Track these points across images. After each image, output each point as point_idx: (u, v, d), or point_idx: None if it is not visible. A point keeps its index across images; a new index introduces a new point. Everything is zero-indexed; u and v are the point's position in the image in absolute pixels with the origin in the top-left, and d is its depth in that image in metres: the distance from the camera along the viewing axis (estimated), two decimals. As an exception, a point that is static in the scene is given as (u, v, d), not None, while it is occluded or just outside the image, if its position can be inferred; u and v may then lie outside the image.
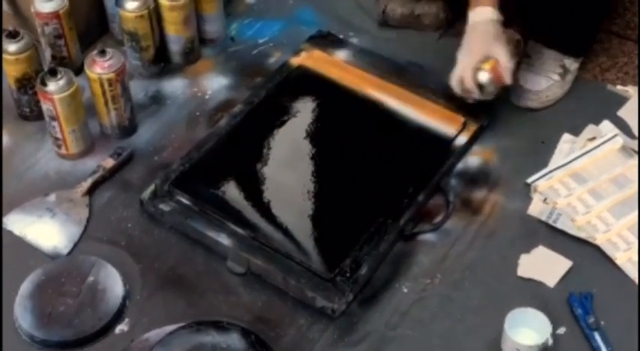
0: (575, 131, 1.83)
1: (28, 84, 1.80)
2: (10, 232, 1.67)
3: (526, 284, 1.60)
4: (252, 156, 1.75)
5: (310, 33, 2.04)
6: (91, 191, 1.73)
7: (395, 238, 1.64)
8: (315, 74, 1.92)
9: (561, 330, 1.53)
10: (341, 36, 2.04)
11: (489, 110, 1.85)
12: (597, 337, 1.51)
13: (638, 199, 1.69)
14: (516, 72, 1.86)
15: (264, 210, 1.67)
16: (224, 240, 1.63)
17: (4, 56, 1.77)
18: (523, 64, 1.89)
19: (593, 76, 1.95)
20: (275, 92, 1.88)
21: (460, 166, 1.79)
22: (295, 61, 1.95)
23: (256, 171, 1.73)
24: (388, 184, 1.70)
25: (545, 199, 1.71)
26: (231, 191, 1.69)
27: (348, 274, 1.56)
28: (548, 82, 1.86)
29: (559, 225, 1.67)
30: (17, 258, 1.63)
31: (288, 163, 1.75)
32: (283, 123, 1.82)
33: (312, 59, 1.95)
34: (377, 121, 1.83)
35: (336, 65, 1.94)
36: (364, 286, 1.59)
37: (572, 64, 1.89)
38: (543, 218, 1.69)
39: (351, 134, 1.80)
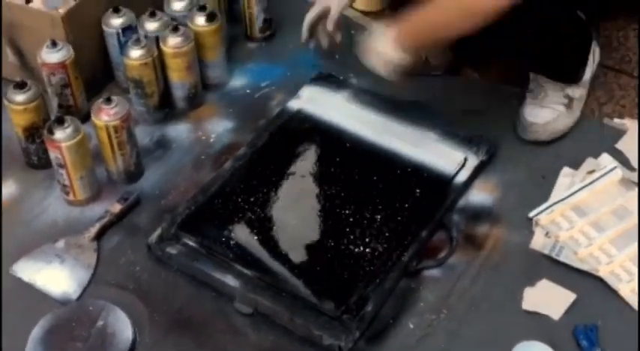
0: (575, 165, 1.86)
1: (36, 133, 1.83)
2: (20, 279, 1.69)
3: (531, 318, 1.61)
4: (257, 198, 1.78)
5: (311, 76, 2.08)
6: (99, 236, 1.76)
7: (399, 274, 1.66)
8: (316, 116, 1.95)
9: (567, 362, 1.54)
10: (341, 77, 2.08)
11: (489, 146, 1.87)
12: (603, 368, 1.52)
13: (638, 231, 1.70)
14: (522, 106, 1.90)
15: (270, 250, 1.69)
16: (231, 281, 1.64)
17: (13, 107, 1.80)
18: (528, 98, 1.92)
19: (591, 111, 1.98)
20: (277, 135, 1.92)
21: (462, 201, 1.81)
22: (296, 103, 1.99)
23: (261, 212, 1.75)
24: (391, 223, 1.72)
25: (547, 233, 1.73)
26: (237, 233, 1.72)
27: (354, 312, 1.58)
28: (553, 113, 1.88)
29: (562, 258, 1.69)
30: (27, 304, 1.65)
31: (292, 204, 1.77)
32: (286, 165, 1.85)
33: (312, 101, 1.99)
34: (378, 160, 1.86)
35: (335, 107, 1.97)
36: (370, 322, 1.60)
37: (576, 92, 1.90)
38: (546, 252, 1.70)
39: (353, 174, 1.83)
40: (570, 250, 1.69)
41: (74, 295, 1.67)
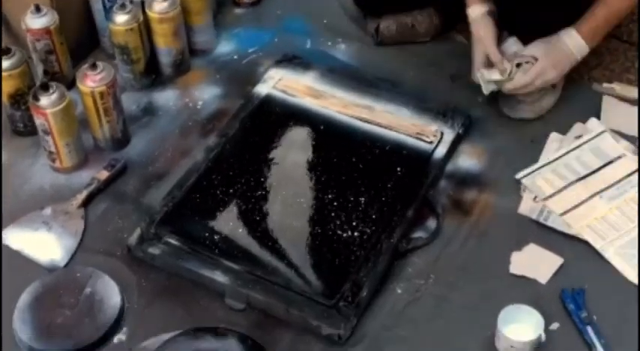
0: (564, 130, 1.85)
1: (21, 99, 1.82)
2: (7, 247, 1.69)
3: (518, 282, 1.62)
4: (235, 189, 1.73)
5: (299, 42, 2.06)
6: (86, 203, 1.75)
7: (391, 256, 1.64)
8: (286, 100, 1.91)
9: (554, 326, 1.55)
10: (329, 43, 2.07)
11: (464, 118, 1.86)
12: (590, 331, 1.53)
13: (638, 210, 1.70)
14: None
15: (255, 242, 1.65)
16: (219, 277, 1.60)
17: (-3, 73, 1.79)
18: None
19: (579, 75, 1.97)
20: (249, 122, 1.87)
21: (450, 167, 1.81)
22: (264, 87, 1.94)
23: (242, 204, 1.71)
24: (376, 204, 1.70)
25: (535, 198, 1.73)
26: (219, 226, 1.67)
27: (350, 299, 1.56)
28: (540, 92, 1.87)
29: (549, 223, 1.69)
30: (15, 271, 1.65)
31: (272, 193, 1.73)
32: (261, 152, 1.80)
33: (280, 85, 1.94)
34: (353, 142, 1.82)
35: (304, 89, 1.93)
36: (366, 308, 1.58)
37: None
38: (534, 217, 1.71)
39: (331, 158, 1.79)
40: (558, 215, 1.69)
41: (62, 263, 1.66)
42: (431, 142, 1.81)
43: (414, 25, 2.05)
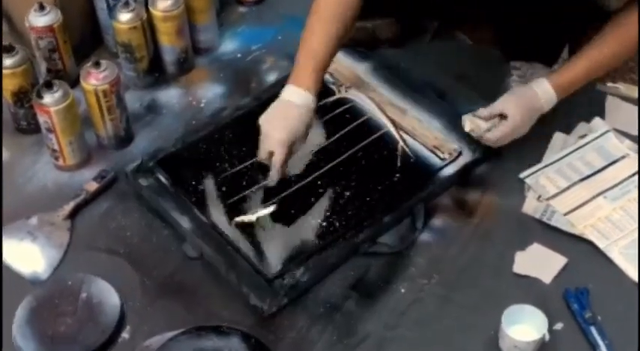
0: (567, 129, 1.85)
1: (25, 97, 1.82)
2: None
3: (522, 282, 1.61)
4: (239, 150, 1.77)
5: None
6: (72, 215, 1.73)
7: (347, 253, 1.64)
8: (327, 82, 1.87)
9: (558, 326, 1.55)
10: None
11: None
12: (594, 331, 1.53)
13: (638, 209, 1.70)
14: (508, 83, 1.89)
15: (230, 203, 1.69)
16: (185, 223, 1.66)
17: (0, 71, 1.79)
18: (514, 76, 1.90)
19: (583, 75, 1.97)
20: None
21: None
22: None
23: (239, 166, 1.74)
24: (357, 202, 1.69)
25: (539, 197, 1.73)
26: (209, 180, 1.72)
27: (287, 279, 1.58)
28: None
29: (553, 222, 1.69)
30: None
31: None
32: None
33: (330, 67, 1.85)
34: (369, 137, 1.80)
35: (351, 77, 1.91)
36: (303, 293, 1.60)
37: None
38: (537, 216, 1.70)
39: (339, 147, 1.78)
40: (561, 215, 1.69)
41: (44, 275, 1.64)
42: (443, 159, 1.77)
43: (375, 30, 2.02)
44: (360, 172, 1.75)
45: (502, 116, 1.72)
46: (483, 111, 1.74)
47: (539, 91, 1.73)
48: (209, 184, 1.72)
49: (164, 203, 1.70)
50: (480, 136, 1.74)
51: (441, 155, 1.77)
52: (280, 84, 1.78)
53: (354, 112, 1.86)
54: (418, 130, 1.82)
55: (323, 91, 1.78)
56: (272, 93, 1.82)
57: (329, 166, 1.75)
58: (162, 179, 1.73)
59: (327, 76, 1.85)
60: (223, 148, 1.78)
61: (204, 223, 1.67)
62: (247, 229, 1.65)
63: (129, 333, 1.56)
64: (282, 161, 1.64)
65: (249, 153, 1.74)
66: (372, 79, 1.93)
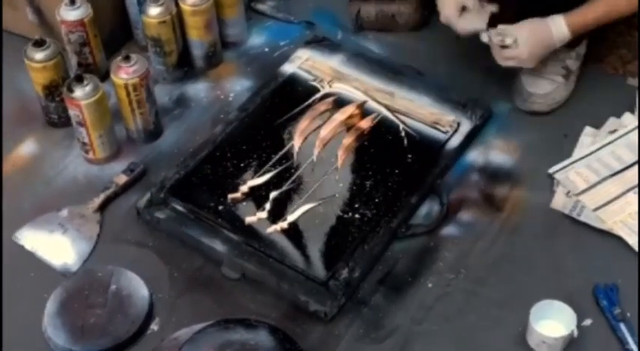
0: (597, 124, 1.83)
1: (56, 91, 1.84)
2: (22, 247, 1.69)
3: (551, 277, 1.61)
4: (246, 162, 1.76)
5: (331, 34, 2.05)
6: (102, 208, 1.74)
7: (388, 240, 1.65)
8: (309, 80, 1.92)
9: (587, 322, 1.54)
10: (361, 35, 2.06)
11: (484, 110, 1.84)
12: (623, 328, 1.52)
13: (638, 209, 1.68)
14: (518, 78, 1.88)
15: (267, 212, 1.67)
16: (218, 246, 1.63)
17: (32, 64, 1.80)
18: (525, 68, 1.89)
19: (614, 69, 1.95)
20: (270, 99, 1.88)
21: (482, 160, 1.80)
22: (290, 67, 1.95)
23: (250, 177, 1.73)
24: (381, 188, 1.71)
25: (568, 193, 1.71)
26: (225, 197, 1.69)
27: (340, 278, 1.58)
28: (552, 84, 1.85)
29: (582, 218, 1.68)
30: (32, 273, 1.65)
31: (281, 169, 1.74)
32: (277, 129, 1.82)
33: (306, 65, 1.95)
34: (370, 125, 1.82)
35: (329, 71, 1.93)
36: (356, 289, 1.59)
37: (574, 64, 1.89)
38: (567, 212, 1.69)
39: (345, 139, 1.80)
40: (589, 209, 1.67)
41: (74, 267, 1.66)
42: (446, 132, 1.80)
43: (394, 15, 2.04)
44: (373, 160, 1.76)
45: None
46: (498, 30, 1.77)
47: (554, 26, 1.74)
48: (229, 201, 1.69)
49: (189, 231, 1.66)
50: (492, 47, 1.78)
51: (442, 129, 1.80)
52: (262, 94, 1.86)
53: (343, 104, 1.87)
54: (412, 110, 1.85)
55: (307, 89, 1.83)
56: (256, 103, 1.86)
57: (341, 160, 1.76)
58: (180, 208, 1.69)
59: (307, 74, 1.90)
60: (230, 164, 1.76)
61: (238, 242, 1.64)
62: (285, 236, 1.64)
63: (157, 325, 1.58)
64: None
65: (258, 163, 1.75)
66: (349, 70, 1.94)
